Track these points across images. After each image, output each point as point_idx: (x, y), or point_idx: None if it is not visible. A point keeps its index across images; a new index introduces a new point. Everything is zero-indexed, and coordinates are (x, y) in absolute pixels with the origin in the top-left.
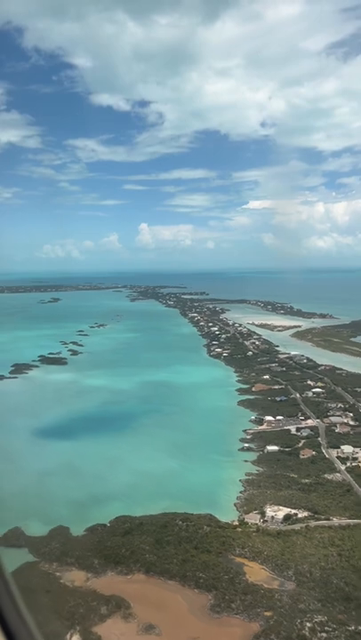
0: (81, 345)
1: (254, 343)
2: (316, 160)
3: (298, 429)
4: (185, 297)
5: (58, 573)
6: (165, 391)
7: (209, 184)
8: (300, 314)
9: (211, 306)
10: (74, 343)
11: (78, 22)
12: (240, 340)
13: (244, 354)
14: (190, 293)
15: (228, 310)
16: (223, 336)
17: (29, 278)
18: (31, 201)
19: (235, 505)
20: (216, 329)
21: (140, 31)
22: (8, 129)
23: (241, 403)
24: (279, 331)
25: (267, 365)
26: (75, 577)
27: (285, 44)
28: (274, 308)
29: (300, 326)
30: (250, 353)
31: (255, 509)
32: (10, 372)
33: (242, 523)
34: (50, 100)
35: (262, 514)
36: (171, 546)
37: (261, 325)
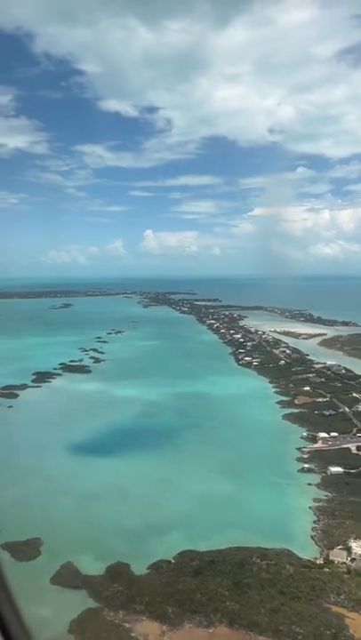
0: (102, 352)
1: (285, 352)
2: (323, 167)
3: (358, 448)
4: (198, 303)
5: (127, 624)
6: (201, 403)
7: (215, 190)
8: (320, 321)
9: (227, 312)
10: (94, 350)
11: (89, 28)
12: (268, 349)
13: (275, 363)
14: (203, 300)
15: (246, 317)
16: (249, 344)
17: (37, 284)
18: (37, 207)
19: (312, 538)
20: (239, 336)
21: (151, 37)
22: (16, 135)
23: (286, 417)
24: (304, 339)
25: (303, 376)
26: (148, 629)
27: (296, 50)
28: (292, 315)
29: (325, 334)
30: (282, 362)
31: (338, 544)
32: (32, 381)
33: (328, 561)
34: (58, 106)
35: (348, 550)
36: (253, 590)
37: (285, 333)
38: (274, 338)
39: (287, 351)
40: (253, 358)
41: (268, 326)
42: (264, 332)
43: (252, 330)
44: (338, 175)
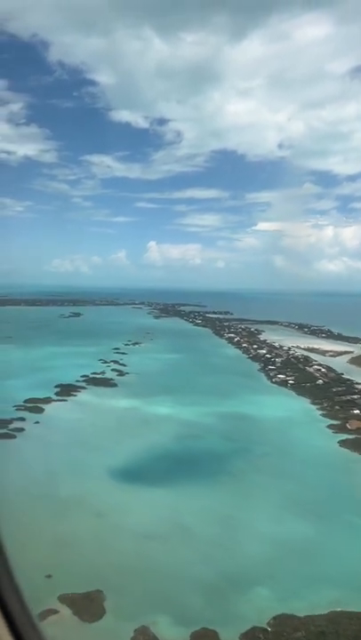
0: (124, 365)
1: (319, 370)
2: (330, 183)
3: None
4: (210, 316)
5: None
6: (244, 425)
7: (221, 204)
8: (343, 338)
9: (242, 326)
10: (115, 362)
11: (105, 38)
12: (300, 366)
13: (312, 382)
14: (214, 312)
15: (264, 331)
16: (277, 360)
17: (42, 292)
18: (43, 215)
19: None
20: (264, 352)
21: (166, 48)
22: (26, 143)
23: (343, 443)
24: (332, 356)
25: (347, 397)
26: None
27: (309, 66)
28: (311, 331)
29: (352, 352)
30: (320, 382)
31: None
32: (56, 394)
33: None
34: (69, 115)
35: None
36: None
37: (309, 349)
38: (302, 355)
39: (322, 369)
40: (287, 376)
41: (289, 342)
42: (290, 348)
43: (276, 345)
44: (344, 192)
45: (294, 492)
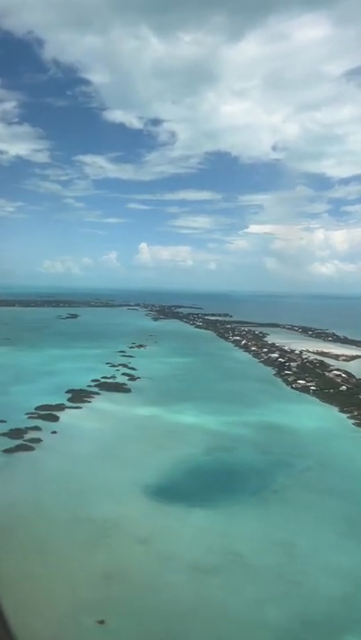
0: (133, 369)
1: (340, 375)
2: (323, 186)
3: None
4: (209, 318)
5: None
6: (278, 436)
7: (213, 206)
8: (349, 341)
9: (245, 329)
10: (123, 366)
11: (101, 36)
12: (318, 371)
13: (335, 388)
14: (213, 314)
15: (268, 334)
16: (292, 365)
17: (34, 293)
18: (34, 216)
19: None
20: (276, 355)
21: (163, 47)
22: (18, 142)
23: None
24: (345, 360)
25: None
26: None
27: (306, 67)
28: (316, 334)
29: None
30: (343, 388)
31: None
32: (69, 400)
33: None
34: (63, 115)
35: None
36: None
37: (320, 353)
38: (316, 359)
39: (343, 375)
40: (307, 382)
41: (297, 345)
42: (301, 352)
43: (286, 348)
44: (337, 195)
45: (350, 512)
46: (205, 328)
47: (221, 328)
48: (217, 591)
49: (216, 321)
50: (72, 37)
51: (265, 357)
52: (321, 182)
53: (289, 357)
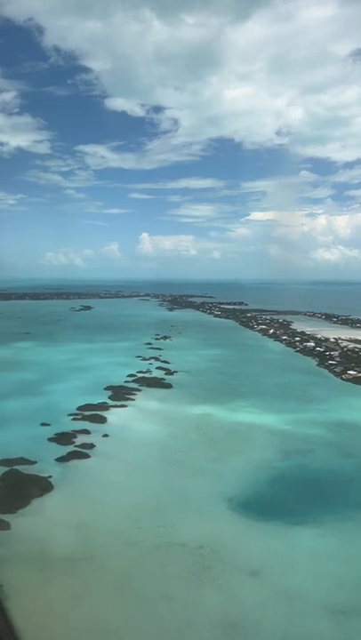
0: (166, 362)
1: None
2: (327, 171)
3: None
4: (226, 307)
5: None
6: (354, 434)
7: (216, 194)
8: None
9: (267, 317)
10: (155, 359)
11: (102, 20)
12: None
13: None
14: (228, 303)
15: (292, 322)
16: (333, 354)
17: (40, 285)
18: (36, 208)
19: None
20: (312, 344)
21: (166, 31)
22: (19, 133)
23: None
24: None
25: None
26: None
27: (312, 48)
28: (342, 320)
29: None
30: None
31: None
32: (110, 398)
33: None
34: (64, 104)
35: None
36: None
37: (355, 341)
38: (356, 347)
39: None
40: (358, 372)
41: (327, 333)
42: (337, 340)
43: (319, 336)
44: (341, 180)
45: None
46: (226, 317)
47: (242, 317)
48: None
49: (234, 310)
50: (73, 23)
51: (300, 347)
52: (325, 167)
53: (326, 346)
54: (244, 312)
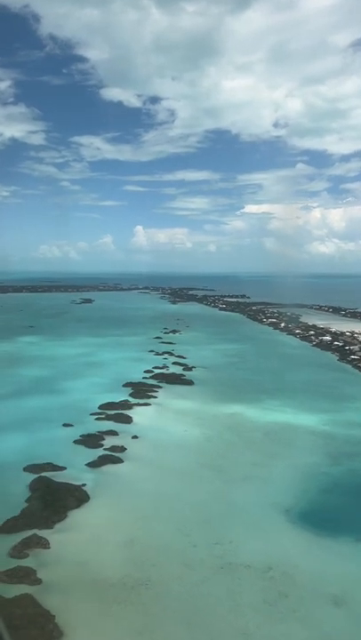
0: (181, 357)
1: None
2: (323, 163)
3: None
4: (230, 300)
5: None
6: None
7: (211, 186)
8: None
9: (274, 310)
10: (169, 354)
11: (100, 8)
12: None
13: None
14: (230, 296)
15: (301, 315)
16: (354, 348)
17: (34, 278)
18: (29, 200)
19: None
20: (328, 338)
21: (165, 19)
22: (13, 123)
23: None
24: None
25: None
26: None
27: (313, 38)
28: (353, 314)
29: None
30: None
31: None
32: (131, 396)
33: None
34: (59, 94)
35: None
36: None
37: None
38: None
39: None
40: None
41: (339, 326)
42: (353, 334)
43: (334, 330)
44: (337, 172)
45: None
46: (231, 310)
47: (248, 310)
48: None
49: (237, 302)
50: (70, 10)
51: (316, 341)
52: (322, 159)
53: (345, 341)
54: (249, 305)
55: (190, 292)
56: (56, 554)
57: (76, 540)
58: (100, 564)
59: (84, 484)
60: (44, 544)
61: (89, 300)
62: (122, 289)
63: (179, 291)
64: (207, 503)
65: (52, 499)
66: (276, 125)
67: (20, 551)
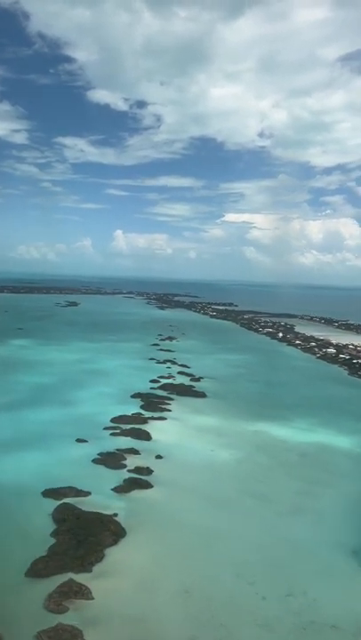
0: (186, 366)
1: None
2: (305, 175)
3: None
4: (219, 307)
5: None
6: None
7: (193, 194)
8: None
9: (266, 319)
10: (171, 362)
11: (91, 9)
12: None
13: None
14: (216, 304)
15: (295, 326)
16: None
17: (11, 279)
18: (9, 199)
19: None
20: (333, 351)
21: (156, 23)
22: None
23: None
24: None
25: None
26: None
27: (303, 50)
28: (346, 326)
29: None
30: None
31: None
32: (143, 408)
33: None
34: (45, 93)
35: None
36: None
37: None
38: None
39: None
40: None
41: (335, 338)
42: (357, 347)
43: (334, 342)
44: (318, 185)
45: None
46: (223, 318)
47: (241, 319)
48: None
49: (227, 310)
50: (60, 9)
51: (320, 353)
52: (304, 171)
53: (350, 354)
54: (240, 313)
55: (175, 299)
56: (102, 606)
57: (122, 587)
58: (158, 622)
59: (115, 514)
60: (85, 594)
61: (74, 304)
62: (106, 293)
63: (164, 296)
64: (264, 541)
65: (84, 533)
66: (261, 135)
67: (58, 604)
